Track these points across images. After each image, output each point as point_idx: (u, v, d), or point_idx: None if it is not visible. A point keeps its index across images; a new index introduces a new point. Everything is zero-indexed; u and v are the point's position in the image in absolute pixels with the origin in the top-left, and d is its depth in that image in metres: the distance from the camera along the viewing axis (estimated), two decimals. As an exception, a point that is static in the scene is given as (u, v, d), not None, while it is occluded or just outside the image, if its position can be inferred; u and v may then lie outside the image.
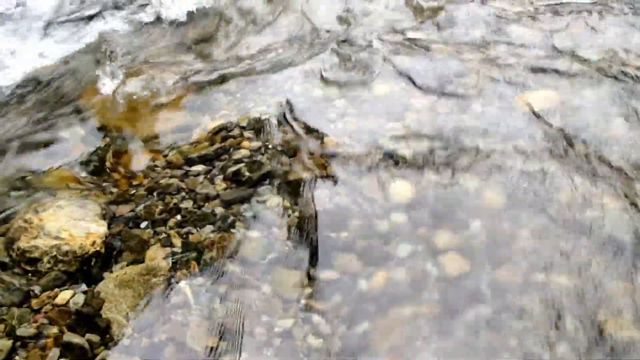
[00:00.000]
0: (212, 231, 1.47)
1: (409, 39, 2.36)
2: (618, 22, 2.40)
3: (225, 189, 1.62)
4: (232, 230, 1.48)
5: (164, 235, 1.47)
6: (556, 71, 2.10)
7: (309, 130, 1.83)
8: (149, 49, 2.39)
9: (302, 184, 1.61)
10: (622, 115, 1.82)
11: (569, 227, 1.44)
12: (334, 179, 1.63)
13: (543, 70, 2.10)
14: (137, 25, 2.59)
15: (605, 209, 1.47)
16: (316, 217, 1.50)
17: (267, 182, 1.62)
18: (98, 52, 2.34)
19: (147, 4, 2.75)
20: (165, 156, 1.81)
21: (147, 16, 2.64)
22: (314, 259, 1.39)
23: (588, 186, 1.54)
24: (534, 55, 2.20)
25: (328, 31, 2.48)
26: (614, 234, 1.40)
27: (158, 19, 2.62)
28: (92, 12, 2.71)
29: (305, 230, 1.47)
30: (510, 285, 1.29)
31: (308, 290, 1.32)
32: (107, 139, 1.87)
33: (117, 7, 2.74)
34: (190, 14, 2.61)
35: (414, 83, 2.06)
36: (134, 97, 2.05)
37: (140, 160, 1.81)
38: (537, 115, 1.87)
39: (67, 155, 1.82)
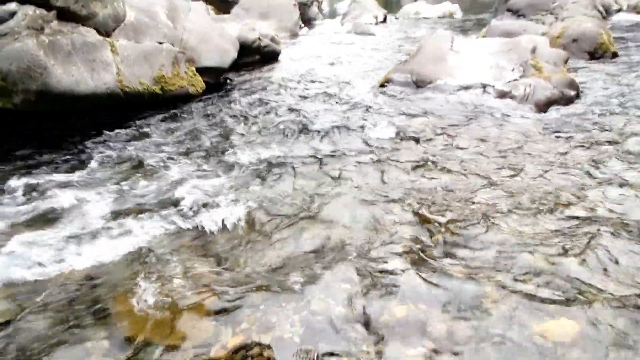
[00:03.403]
0: None
1: (428, 259, 2.49)
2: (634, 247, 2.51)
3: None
4: None
5: None
6: (573, 299, 2.15)
7: (329, 354, 1.85)
8: (178, 257, 2.56)
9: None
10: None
11: None
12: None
13: (559, 298, 2.16)
14: (170, 231, 2.82)
15: None
16: None
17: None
18: (130, 258, 2.51)
19: (182, 210, 3.04)
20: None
21: (179, 222, 2.90)
22: None
23: None
24: (549, 282, 2.28)
25: (348, 245, 2.64)
26: None
27: (190, 226, 2.86)
28: (126, 216, 2.99)
29: None
30: None
31: None
32: (129, 353, 1.90)
33: (150, 212, 3.02)
34: (222, 223, 2.86)
35: (432, 305, 2.13)
36: (161, 307, 2.12)
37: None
38: (555, 347, 1.88)
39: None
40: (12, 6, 3.89)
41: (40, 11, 4.06)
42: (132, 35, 5.19)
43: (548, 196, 3.13)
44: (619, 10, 14.89)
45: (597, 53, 7.88)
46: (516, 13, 10.49)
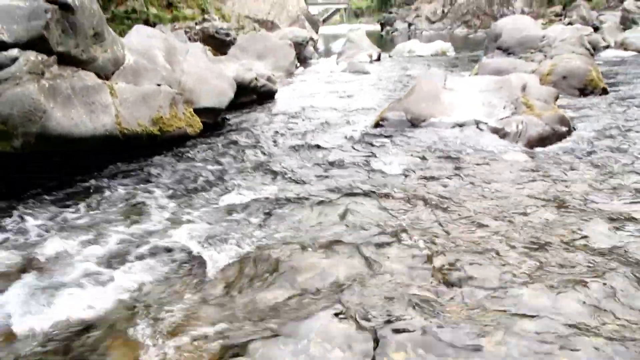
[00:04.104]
0: None
1: (426, 300, 2.48)
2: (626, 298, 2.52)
3: None
4: None
5: None
6: (573, 337, 2.14)
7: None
8: (175, 301, 2.55)
9: None
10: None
11: None
12: None
13: (560, 336, 2.15)
14: (166, 275, 2.82)
15: None
16: None
17: None
18: (126, 305, 2.49)
19: (178, 253, 3.04)
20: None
21: (175, 265, 2.90)
22: None
23: None
24: (549, 320, 2.27)
25: (345, 287, 2.63)
26: None
27: (187, 269, 2.86)
28: (122, 259, 2.98)
29: None
30: None
31: None
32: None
33: (146, 255, 3.01)
34: (218, 267, 2.86)
35: (432, 349, 2.11)
36: (159, 355, 2.11)
37: None
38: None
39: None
40: (14, 52, 3.97)
41: (41, 56, 4.16)
42: (131, 78, 5.29)
43: (545, 233, 3.15)
44: (606, 47, 15.32)
45: (587, 89, 8.05)
46: (506, 51, 10.76)
